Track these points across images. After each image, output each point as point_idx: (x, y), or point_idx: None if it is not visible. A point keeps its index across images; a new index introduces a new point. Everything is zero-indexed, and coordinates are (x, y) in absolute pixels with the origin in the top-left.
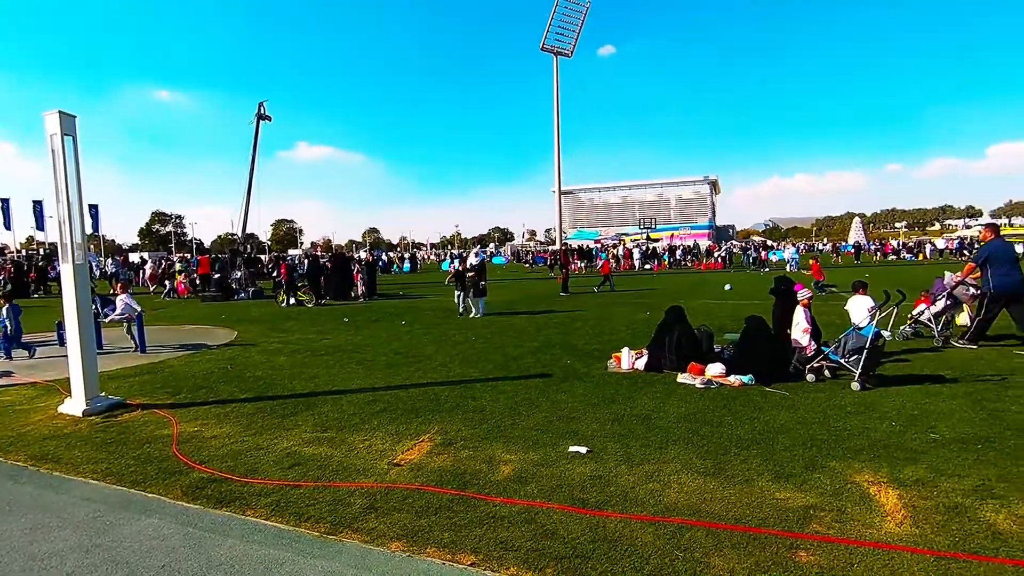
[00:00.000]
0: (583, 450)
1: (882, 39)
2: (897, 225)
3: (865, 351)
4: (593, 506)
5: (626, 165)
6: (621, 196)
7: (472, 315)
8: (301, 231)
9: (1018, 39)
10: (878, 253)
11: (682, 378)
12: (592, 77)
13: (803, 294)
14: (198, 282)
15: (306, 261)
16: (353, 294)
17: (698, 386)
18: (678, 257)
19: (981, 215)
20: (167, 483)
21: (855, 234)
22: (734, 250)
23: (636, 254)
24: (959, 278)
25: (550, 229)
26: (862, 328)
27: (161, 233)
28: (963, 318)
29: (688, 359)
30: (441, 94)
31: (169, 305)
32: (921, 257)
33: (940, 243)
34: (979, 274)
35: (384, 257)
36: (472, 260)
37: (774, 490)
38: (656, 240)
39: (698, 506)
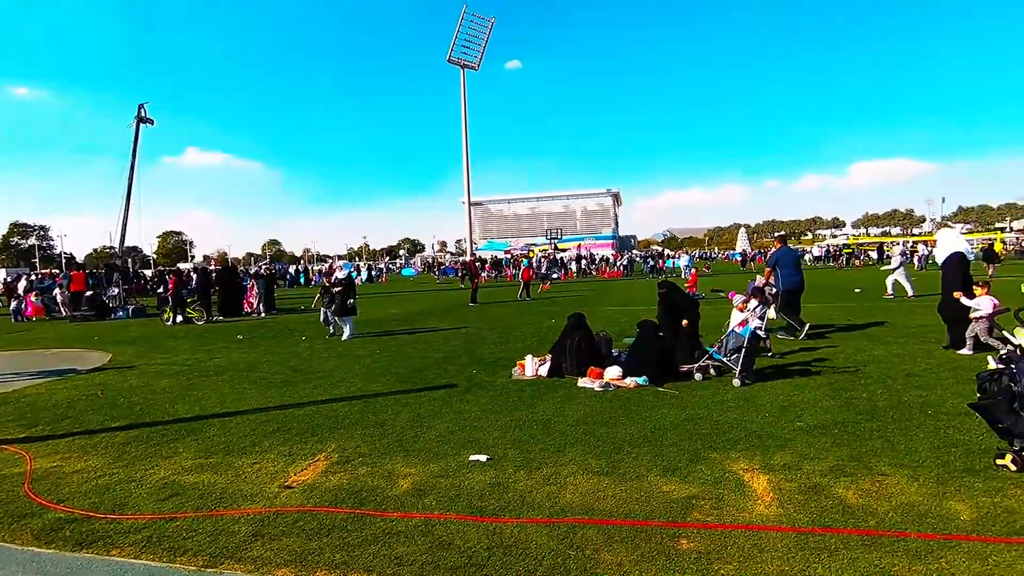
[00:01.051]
0: (483, 458)
1: (758, 65)
2: (776, 235)
3: (743, 350)
4: (491, 513)
5: (534, 177)
6: (529, 207)
7: (341, 336)
8: (192, 244)
9: (872, 70)
10: (761, 260)
11: (582, 382)
12: (500, 91)
13: (737, 299)
14: (61, 300)
15: (195, 276)
16: (248, 309)
17: (596, 389)
18: (583, 266)
19: (844, 225)
20: (15, 528)
21: (741, 243)
22: (635, 259)
23: (544, 264)
24: (763, 280)
25: (461, 240)
26: (740, 329)
27: (22, 247)
28: (771, 312)
29: (588, 364)
30: (346, 103)
31: (32, 327)
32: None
33: (815, 251)
34: (772, 276)
35: (293, 269)
36: (339, 274)
37: (661, 483)
38: (563, 250)
39: (591, 505)
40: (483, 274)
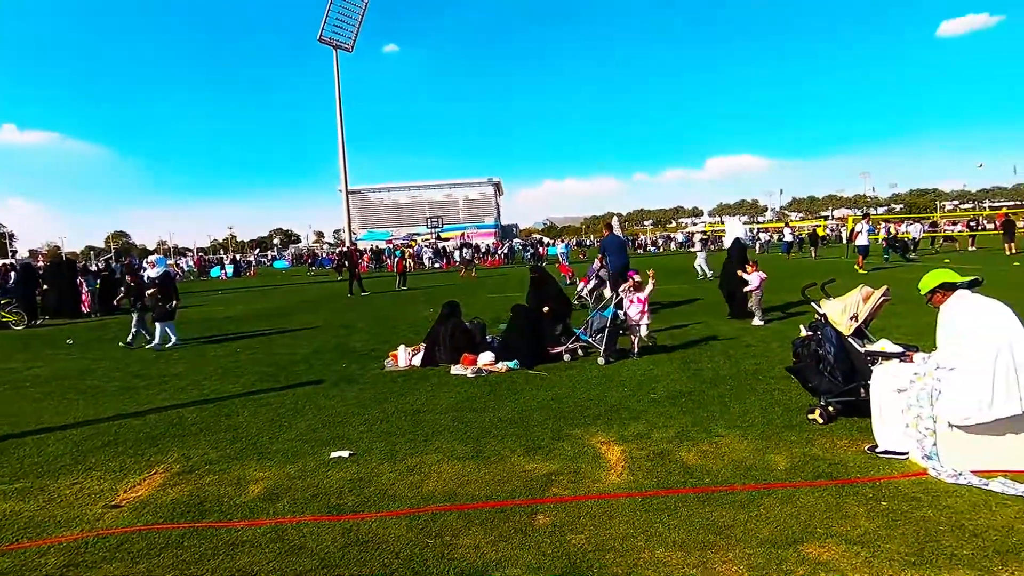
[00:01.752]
0: (346, 454)
1: (628, 64)
2: (646, 223)
3: (606, 330)
4: (349, 510)
5: (416, 166)
6: (411, 196)
7: (150, 345)
8: (12, 236)
9: (722, 75)
10: (632, 246)
11: (455, 370)
12: (377, 76)
13: (624, 286)
14: None
15: (12, 273)
16: (88, 310)
17: (469, 375)
18: (467, 255)
19: (703, 214)
20: None
21: (615, 230)
22: (516, 248)
23: (427, 253)
24: (598, 263)
25: (339, 230)
26: (604, 311)
27: None
28: (606, 292)
29: (461, 351)
30: (208, 80)
31: None
32: (663, 249)
33: (680, 237)
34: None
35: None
36: (151, 272)
37: (524, 463)
38: (446, 240)
39: (455, 491)
40: (363, 264)
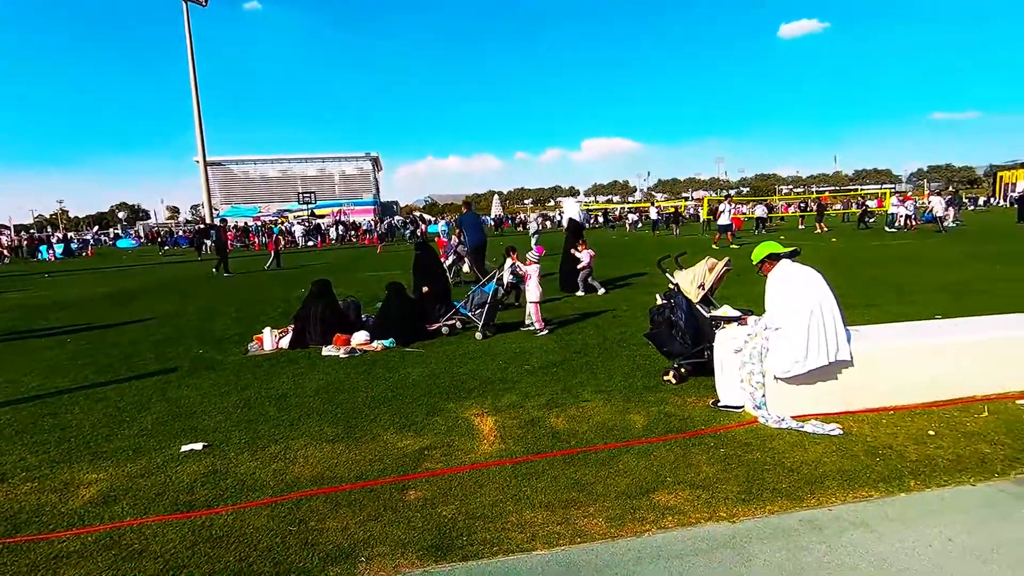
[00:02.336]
0: (199, 446)
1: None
2: (526, 201)
3: (487, 305)
4: (202, 506)
5: (286, 138)
6: (280, 170)
7: None
8: None
9: (596, 60)
10: (510, 223)
11: (327, 351)
12: (239, 34)
13: (532, 255)
14: None
15: None
16: None
17: (342, 356)
18: (341, 232)
19: (579, 193)
20: None
21: (495, 209)
22: (396, 225)
23: (299, 231)
24: (455, 239)
25: (197, 205)
26: (485, 286)
27: None
28: (465, 267)
29: (334, 331)
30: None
31: None
32: (542, 227)
33: (557, 216)
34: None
35: None
36: None
37: (396, 440)
38: (321, 216)
39: (323, 474)
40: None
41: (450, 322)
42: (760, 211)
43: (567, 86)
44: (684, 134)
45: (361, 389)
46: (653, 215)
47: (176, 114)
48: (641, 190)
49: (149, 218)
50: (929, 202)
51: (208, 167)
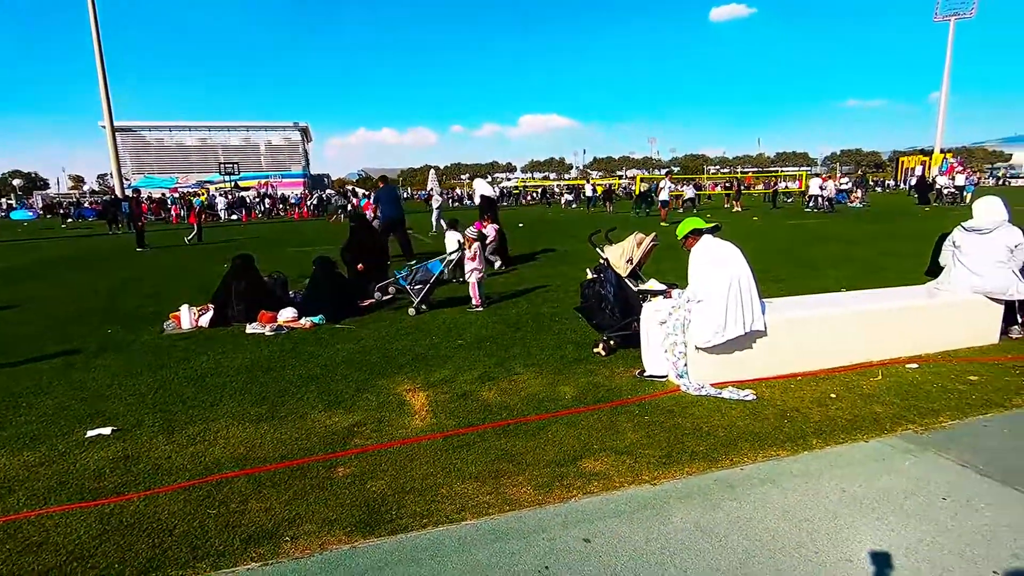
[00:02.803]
0: (107, 431)
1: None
2: (462, 177)
3: (430, 284)
4: (110, 493)
5: (205, 104)
6: (199, 138)
7: None
8: None
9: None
10: (447, 199)
11: (251, 328)
12: None
13: (471, 231)
14: None
15: None
16: None
17: (267, 334)
18: (268, 205)
19: (516, 170)
20: None
21: (431, 183)
22: (332, 199)
23: (221, 203)
24: (371, 213)
25: (105, 175)
26: (431, 264)
27: None
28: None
29: (258, 307)
30: None
31: None
32: (472, 204)
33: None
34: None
35: None
36: None
37: (324, 418)
38: (246, 188)
39: (245, 455)
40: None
41: (386, 297)
42: (690, 192)
43: (504, 60)
44: (619, 113)
45: (288, 367)
46: (588, 192)
47: (79, 73)
48: (577, 167)
49: (48, 188)
50: (839, 183)
51: (116, 133)
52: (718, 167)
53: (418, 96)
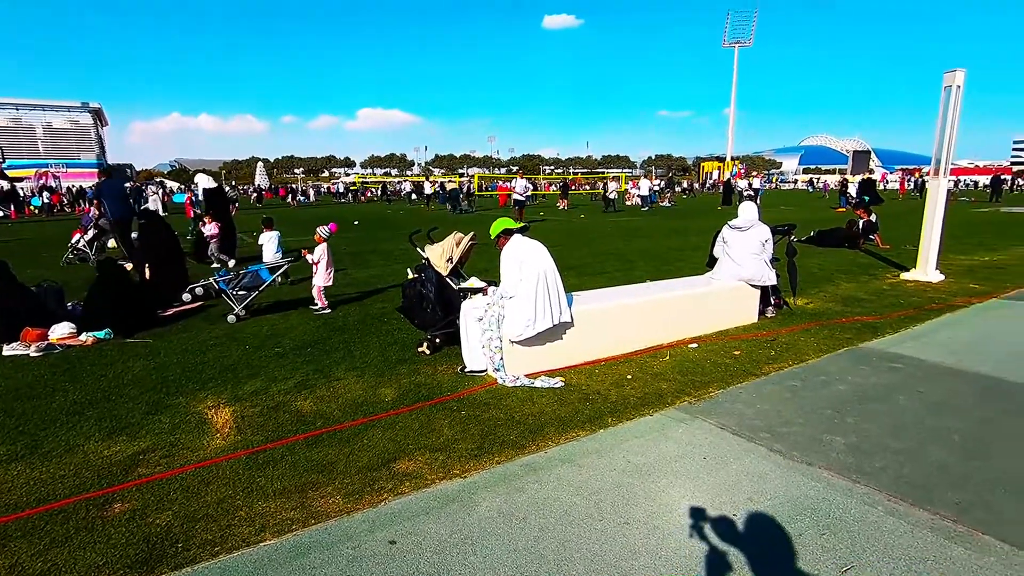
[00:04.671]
0: None
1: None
2: (296, 171)
3: (258, 291)
4: None
5: None
6: None
7: None
8: None
9: (370, 30)
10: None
11: (9, 349)
12: None
13: (323, 230)
14: None
15: None
16: None
17: (33, 355)
18: (46, 201)
19: (355, 165)
20: None
21: (259, 178)
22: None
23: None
24: (95, 211)
25: None
26: (262, 269)
27: None
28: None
29: (19, 324)
30: None
31: None
32: (314, 200)
33: (324, 187)
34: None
35: None
36: None
37: (101, 449)
38: (17, 180)
39: None
40: None
41: (198, 293)
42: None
43: (342, 50)
44: (462, 111)
45: (59, 392)
46: (427, 190)
47: None
48: (419, 164)
49: None
50: (639, 187)
51: None
52: (552, 167)
53: (243, 79)
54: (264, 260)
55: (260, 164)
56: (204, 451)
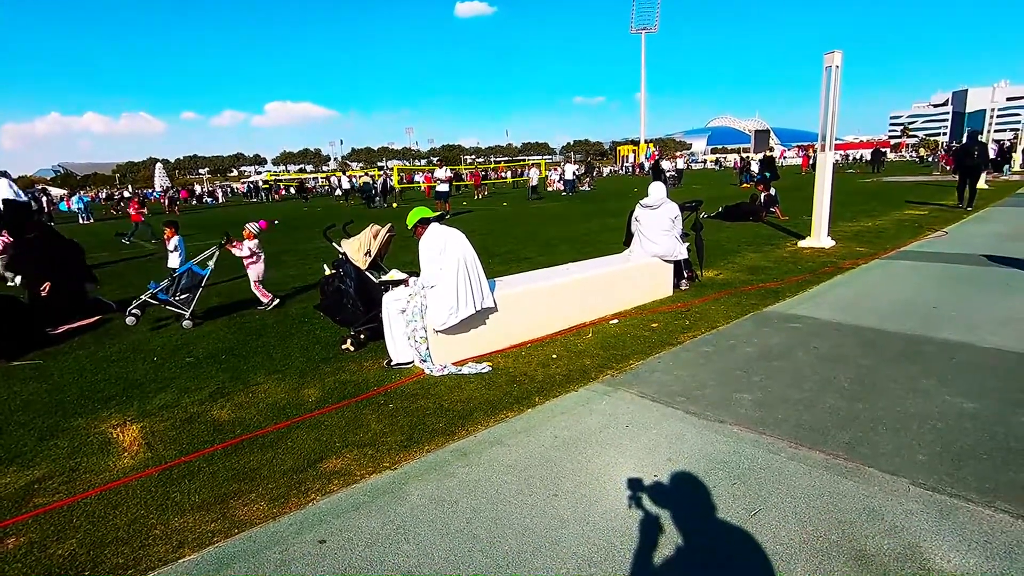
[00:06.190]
0: None
1: None
2: (201, 171)
3: (200, 288)
4: None
5: None
6: None
7: None
8: None
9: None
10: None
11: None
12: None
13: (252, 226)
14: None
15: None
16: None
17: None
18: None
19: (266, 162)
20: None
21: (159, 180)
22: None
23: None
24: None
25: None
26: (194, 265)
27: None
28: None
29: None
30: None
31: None
32: (223, 200)
33: (238, 186)
34: None
35: None
36: None
37: None
38: None
39: None
40: None
41: (137, 314)
42: (443, 174)
43: (244, 40)
44: (378, 103)
45: None
46: (345, 185)
47: None
48: (335, 158)
49: None
50: (563, 171)
51: None
52: (473, 156)
53: (132, 74)
54: (171, 264)
55: (159, 165)
56: (110, 472)
